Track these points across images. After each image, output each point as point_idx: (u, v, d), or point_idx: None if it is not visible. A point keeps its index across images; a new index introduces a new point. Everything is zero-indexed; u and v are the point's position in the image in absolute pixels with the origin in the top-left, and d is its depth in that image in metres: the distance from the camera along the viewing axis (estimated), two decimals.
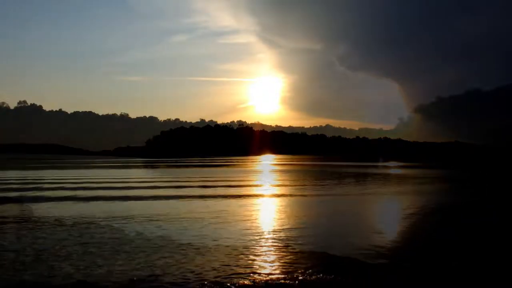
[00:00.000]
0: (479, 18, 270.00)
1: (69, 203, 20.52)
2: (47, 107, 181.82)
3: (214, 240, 12.01)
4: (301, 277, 8.75)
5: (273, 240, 12.12)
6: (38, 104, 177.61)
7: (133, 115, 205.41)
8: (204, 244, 11.58)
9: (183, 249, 11.00)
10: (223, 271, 9.21)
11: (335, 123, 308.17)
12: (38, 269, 9.48)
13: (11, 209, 18.40)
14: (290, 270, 9.23)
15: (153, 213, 16.93)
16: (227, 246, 11.31)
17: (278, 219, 15.97)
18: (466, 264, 9.77)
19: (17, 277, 9.08)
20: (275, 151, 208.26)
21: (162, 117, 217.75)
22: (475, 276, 8.97)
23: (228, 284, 8.45)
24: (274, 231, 13.48)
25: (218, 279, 8.70)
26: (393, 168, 64.14)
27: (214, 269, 9.31)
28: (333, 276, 8.78)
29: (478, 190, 28.73)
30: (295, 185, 31.36)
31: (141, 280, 8.88)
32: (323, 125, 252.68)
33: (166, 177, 41.99)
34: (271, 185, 32.10)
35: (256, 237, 12.48)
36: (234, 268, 9.43)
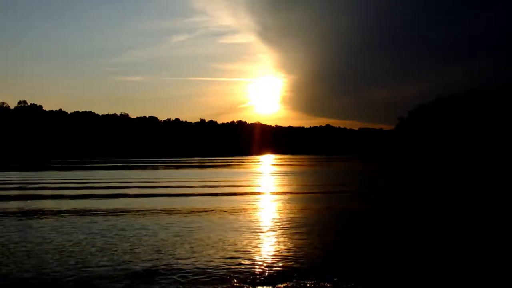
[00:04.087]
0: (479, 19, 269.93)
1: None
2: (47, 107, 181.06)
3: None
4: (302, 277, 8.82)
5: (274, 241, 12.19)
6: (38, 104, 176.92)
7: (133, 115, 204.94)
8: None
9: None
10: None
11: (335, 123, 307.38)
12: (40, 268, 9.59)
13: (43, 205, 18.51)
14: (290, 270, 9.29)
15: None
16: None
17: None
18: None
19: (18, 275, 9.18)
20: (275, 151, 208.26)
21: (162, 117, 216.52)
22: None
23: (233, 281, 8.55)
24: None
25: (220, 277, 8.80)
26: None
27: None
28: (334, 276, 8.84)
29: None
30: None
31: (142, 274, 9.08)
32: (323, 125, 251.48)
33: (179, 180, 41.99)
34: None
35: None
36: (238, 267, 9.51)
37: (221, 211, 18.07)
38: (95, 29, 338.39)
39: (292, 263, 10.16)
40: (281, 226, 14.65)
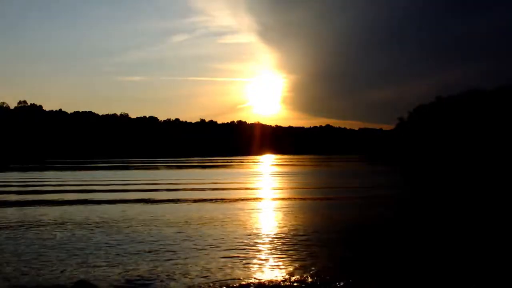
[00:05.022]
0: (479, 18, 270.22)
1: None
2: (47, 107, 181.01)
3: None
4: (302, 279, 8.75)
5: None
6: (38, 104, 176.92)
7: (133, 115, 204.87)
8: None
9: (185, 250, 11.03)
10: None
11: (335, 123, 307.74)
12: (40, 269, 9.57)
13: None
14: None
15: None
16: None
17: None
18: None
19: (19, 278, 9.13)
20: (275, 151, 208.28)
21: (162, 117, 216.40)
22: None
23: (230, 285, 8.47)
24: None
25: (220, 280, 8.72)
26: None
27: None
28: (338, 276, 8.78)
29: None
30: None
31: (142, 280, 9.01)
32: (323, 125, 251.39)
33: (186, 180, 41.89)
34: None
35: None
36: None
37: (228, 220, 17.90)
38: (95, 29, 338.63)
39: (293, 263, 10.09)
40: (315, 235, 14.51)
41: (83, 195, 25.53)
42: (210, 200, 22.77)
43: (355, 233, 13.95)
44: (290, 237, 13.13)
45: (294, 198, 24.03)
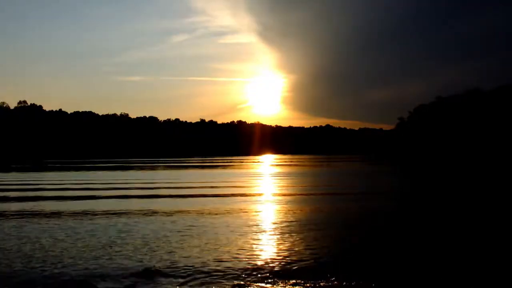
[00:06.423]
0: (479, 18, 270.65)
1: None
2: (47, 107, 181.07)
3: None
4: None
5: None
6: (38, 104, 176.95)
7: (133, 115, 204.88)
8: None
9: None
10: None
11: (335, 123, 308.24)
12: (41, 269, 9.66)
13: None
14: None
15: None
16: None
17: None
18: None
19: (20, 278, 9.19)
20: (275, 151, 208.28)
21: (162, 117, 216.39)
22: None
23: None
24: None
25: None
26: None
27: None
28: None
29: None
30: None
31: (145, 275, 9.24)
32: (323, 125, 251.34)
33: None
34: None
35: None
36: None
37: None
38: (95, 29, 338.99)
39: (293, 263, 10.09)
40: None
41: (83, 207, 25.53)
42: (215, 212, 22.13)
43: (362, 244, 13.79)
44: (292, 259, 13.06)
45: (298, 207, 20.85)
